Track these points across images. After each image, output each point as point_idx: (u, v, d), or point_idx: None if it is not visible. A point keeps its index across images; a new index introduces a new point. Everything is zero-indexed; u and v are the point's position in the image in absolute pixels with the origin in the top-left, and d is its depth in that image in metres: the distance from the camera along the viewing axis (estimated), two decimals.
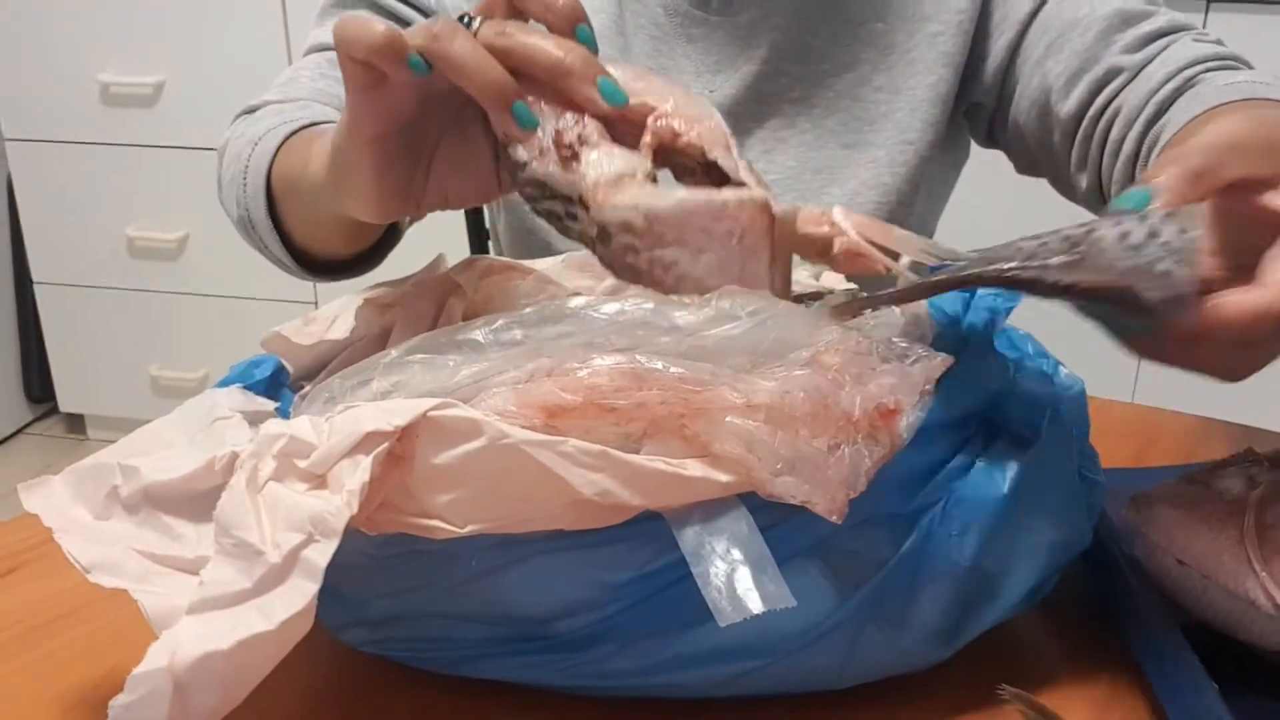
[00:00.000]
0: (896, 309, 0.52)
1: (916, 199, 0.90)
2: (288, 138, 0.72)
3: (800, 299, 0.56)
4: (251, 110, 0.82)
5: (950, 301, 0.54)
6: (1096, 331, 0.50)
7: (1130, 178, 0.74)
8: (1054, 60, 0.80)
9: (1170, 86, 0.72)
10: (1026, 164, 0.89)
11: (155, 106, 2.19)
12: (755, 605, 0.43)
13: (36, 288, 2.40)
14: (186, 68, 2.15)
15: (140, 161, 2.23)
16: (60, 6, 2.15)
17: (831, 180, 0.88)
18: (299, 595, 0.41)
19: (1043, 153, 0.85)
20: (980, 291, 0.55)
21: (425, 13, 0.87)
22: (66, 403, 2.50)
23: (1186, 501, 0.55)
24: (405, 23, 0.85)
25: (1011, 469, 0.50)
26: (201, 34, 2.11)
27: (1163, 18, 0.79)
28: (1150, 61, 0.75)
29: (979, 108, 0.89)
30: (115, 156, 2.24)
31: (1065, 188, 0.86)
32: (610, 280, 0.70)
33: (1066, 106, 0.79)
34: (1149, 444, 0.77)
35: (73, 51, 2.18)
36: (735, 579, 0.44)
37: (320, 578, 0.42)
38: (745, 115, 0.89)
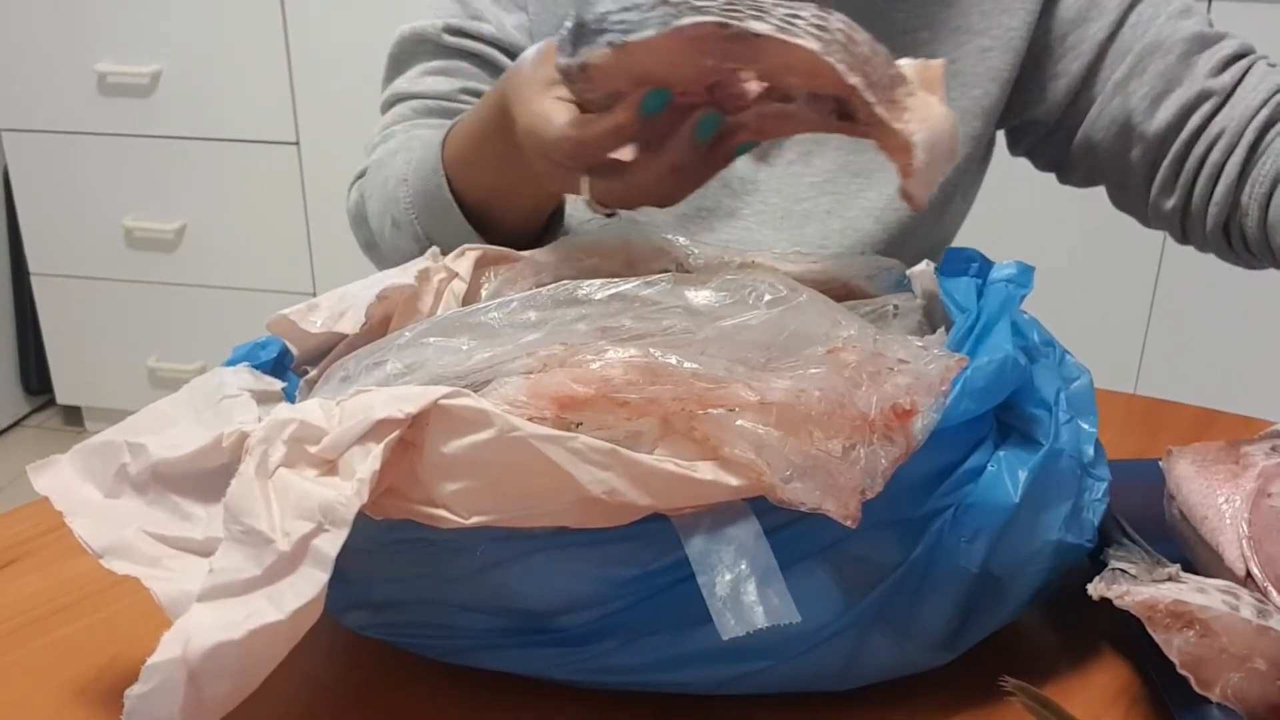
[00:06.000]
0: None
1: (949, 206, 0.92)
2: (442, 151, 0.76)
3: None
4: (362, 174, 0.87)
5: (965, 291, 0.54)
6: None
7: (1234, 202, 0.80)
8: (1137, 82, 0.83)
9: (1265, 113, 0.79)
10: (1085, 178, 0.91)
11: (152, 96, 2.18)
12: (759, 619, 0.44)
13: (33, 279, 2.39)
14: (183, 57, 2.14)
15: (137, 152, 2.22)
16: None
17: (869, 184, 0.88)
18: (309, 585, 0.41)
19: (1115, 169, 0.87)
20: (994, 278, 0.54)
21: (493, 43, 0.86)
22: (64, 395, 2.49)
23: (1208, 459, 0.56)
24: (477, 57, 0.86)
25: (1023, 474, 0.49)
26: (198, 23, 2.10)
27: (1234, 42, 0.84)
28: (1238, 85, 0.81)
29: (1034, 124, 0.90)
30: (112, 147, 2.23)
31: (1133, 202, 0.88)
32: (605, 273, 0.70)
33: (1153, 126, 0.83)
34: (1152, 435, 0.77)
35: (69, 41, 2.17)
36: (740, 591, 0.44)
37: (330, 567, 0.41)
38: None
